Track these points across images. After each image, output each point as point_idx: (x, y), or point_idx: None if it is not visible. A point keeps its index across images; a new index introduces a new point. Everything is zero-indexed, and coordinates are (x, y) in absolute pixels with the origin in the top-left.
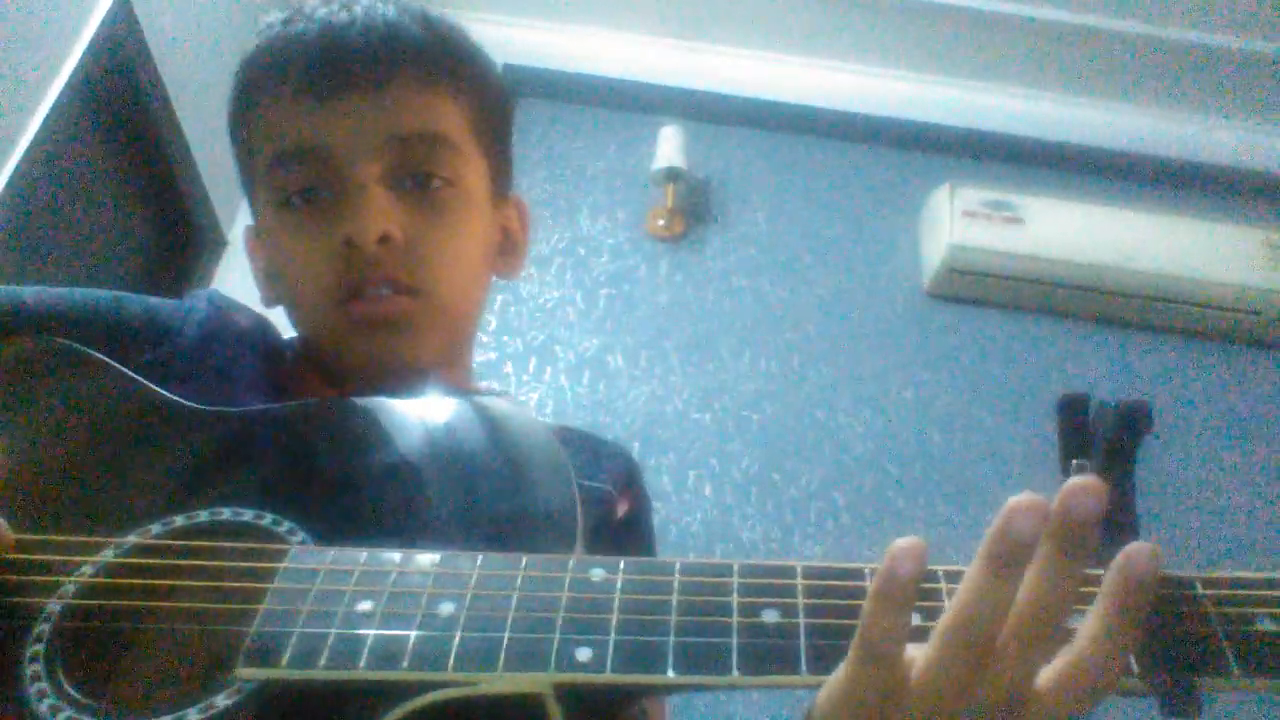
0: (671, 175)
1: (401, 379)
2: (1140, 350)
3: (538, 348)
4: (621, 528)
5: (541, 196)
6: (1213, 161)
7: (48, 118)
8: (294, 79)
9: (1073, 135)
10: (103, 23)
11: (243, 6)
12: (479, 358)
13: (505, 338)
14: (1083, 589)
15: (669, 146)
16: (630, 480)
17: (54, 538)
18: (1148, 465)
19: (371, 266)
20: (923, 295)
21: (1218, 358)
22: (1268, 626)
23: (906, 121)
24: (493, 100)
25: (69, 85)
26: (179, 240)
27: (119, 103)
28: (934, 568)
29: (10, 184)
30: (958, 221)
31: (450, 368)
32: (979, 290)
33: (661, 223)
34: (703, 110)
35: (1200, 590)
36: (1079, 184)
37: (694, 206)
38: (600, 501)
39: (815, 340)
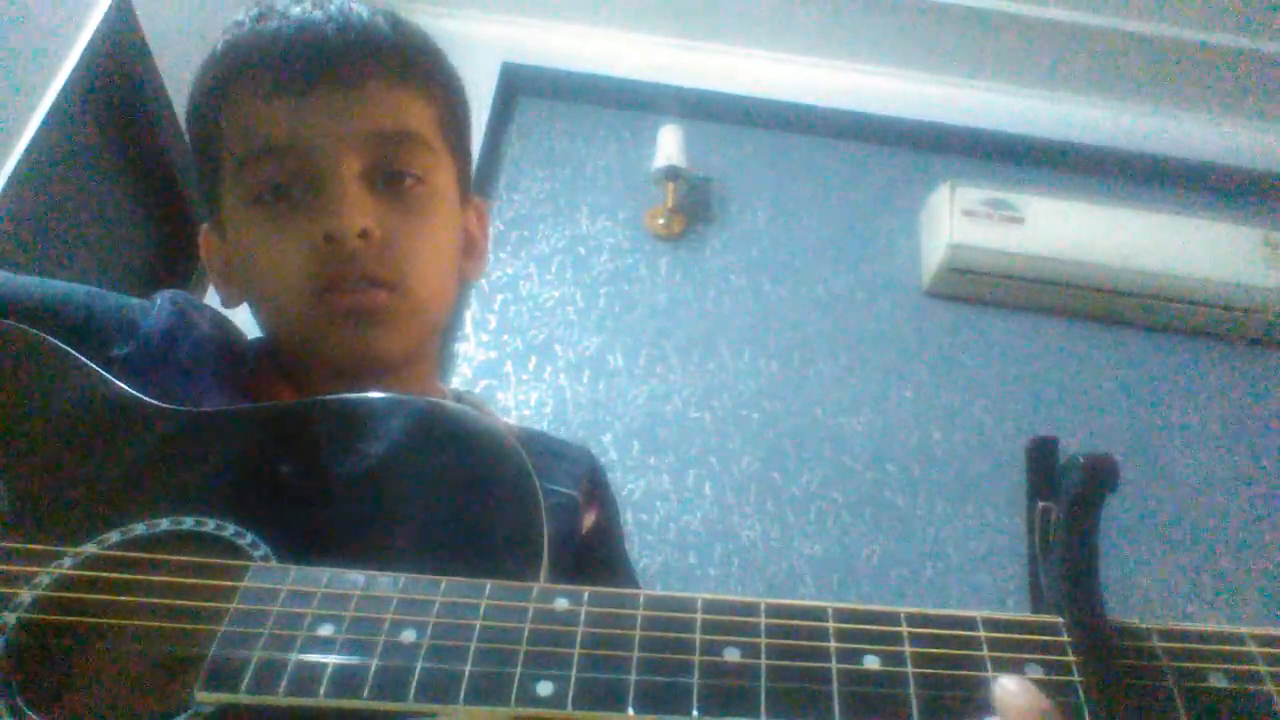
0: (671, 174)
1: (372, 374)
2: (1140, 350)
3: (538, 346)
4: (590, 541)
5: (541, 196)
6: (1213, 161)
7: (48, 118)
8: (270, 75)
9: (1073, 135)
10: (102, 22)
11: (243, 7)
12: (479, 356)
13: (505, 336)
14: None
15: (669, 145)
16: (595, 485)
17: (7, 544)
18: (1147, 464)
19: (349, 262)
20: (922, 294)
21: (1218, 357)
22: (1220, 683)
23: (906, 121)
24: (458, 102)
25: (69, 85)
26: (178, 240)
27: (119, 102)
28: (896, 610)
29: (10, 183)
30: (958, 221)
31: (418, 364)
32: (979, 290)
33: (661, 222)
34: (703, 110)
35: (1156, 642)
36: (1079, 183)
37: (694, 206)
38: (566, 509)
39: (815, 340)
